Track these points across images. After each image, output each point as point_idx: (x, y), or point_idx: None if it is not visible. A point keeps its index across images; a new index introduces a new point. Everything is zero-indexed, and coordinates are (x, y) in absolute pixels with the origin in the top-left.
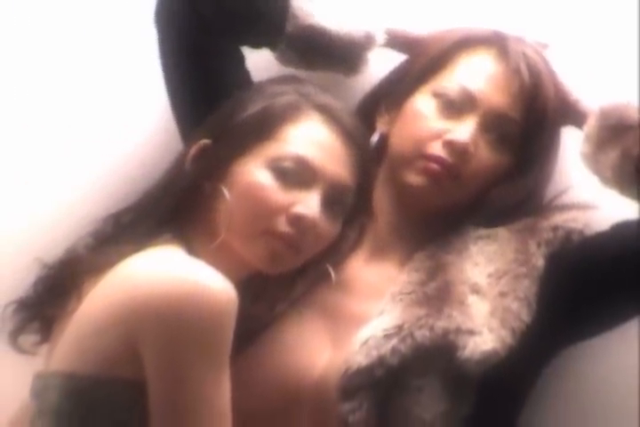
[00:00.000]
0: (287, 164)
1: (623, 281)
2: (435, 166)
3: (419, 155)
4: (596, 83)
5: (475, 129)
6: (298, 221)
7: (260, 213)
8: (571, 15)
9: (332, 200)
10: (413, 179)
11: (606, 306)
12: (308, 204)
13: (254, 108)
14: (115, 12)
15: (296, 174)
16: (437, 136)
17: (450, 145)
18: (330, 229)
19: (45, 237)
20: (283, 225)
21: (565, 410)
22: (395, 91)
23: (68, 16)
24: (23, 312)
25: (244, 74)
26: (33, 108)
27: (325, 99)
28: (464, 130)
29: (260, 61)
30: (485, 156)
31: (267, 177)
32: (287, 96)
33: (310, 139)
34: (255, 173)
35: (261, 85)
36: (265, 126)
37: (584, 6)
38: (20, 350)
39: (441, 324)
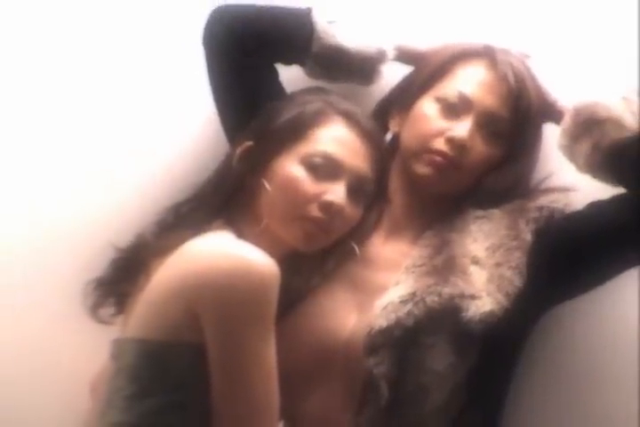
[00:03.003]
0: (317, 160)
1: (597, 250)
2: (439, 159)
3: (425, 149)
4: (579, 86)
5: (471, 126)
6: (328, 207)
7: (296, 201)
8: (552, 26)
9: (355, 189)
10: (421, 170)
11: (584, 271)
12: (336, 192)
13: (288, 114)
14: (173, 35)
15: (325, 168)
16: (440, 133)
17: (451, 141)
18: (354, 213)
19: (117, 224)
20: (315, 211)
21: (560, 365)
22: (403, 97)
23: (135, 35)
24: (100, 290)
25: (279, 86)
26: (110, 110)
27: (347, 105)
28: (462, 128)
29: (291, 76)
30: (481, 148)
31: (301, 171)
32: (315, 104)
33: (336, 138)
34: (291, 168)
35: (293, 95)
36: (298, 129)
37: (564, 19)
38: (100, 321)
39: (447, 290)
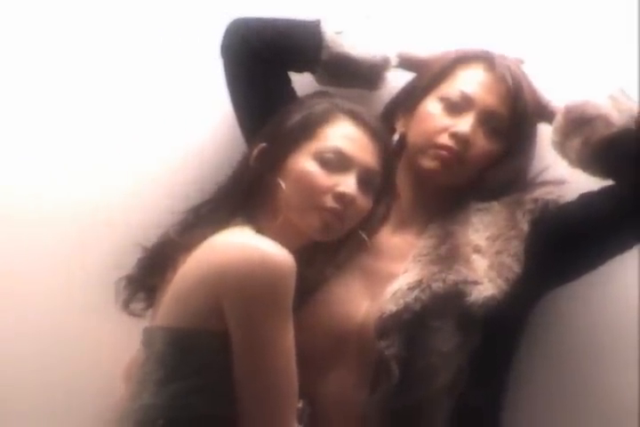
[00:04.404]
0: (329, 155)
1: (588, 237)
2: (444, 153)
3: (431, 145)
4: (569, 87)
5: (473, 123)
6: (341, 197)
7: (312, 194)
8: (543, 34)
9: (364, 181)
10: (428, 164)
11: (576, 257)
12: (348, 184)
13: (298, 116)
14: (194, 46)
15: (336, 162)
16: (444, 130)
17: (455, 136)
18: (365, 203)
19: (145, 225)
20: (330, 201)
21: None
22: (408, 100)
23: (161, 44)
24: (130, 286)
25: (291, 91)
26: (140, 111)
27: (351, 105)
28: (465, 124)
29: (302, 81)
30: (482, 144)
31: (314, 166)
32: (322, 105)
33: (344, 135)
34: (305, 164)
35: (303, 100)
36: (308, 129)
37: (554, 28)
38: (132, 314)
39: (451, 277)
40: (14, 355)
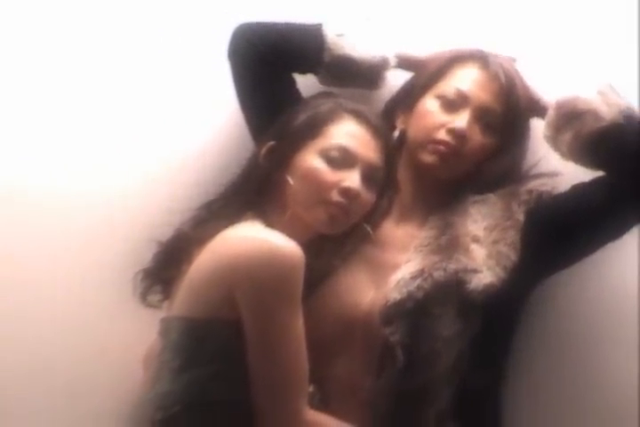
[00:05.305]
0: (334, 152)
1: (580, 225)
2: (442, 148)
3: (430, 140)
4: (559, 83)
5: (469, 119)
6: (347, 192)
7: (319, 189)
8: (534, 33)
9: (368, 176)
10: (427, 158)
11: (570, 245)
12: (352, 179)
13: (304, 115)
14: (197, 48)
15: (341, 159)
16: (442, 126)
17: (452, 132)
18: (368, 197)
19: (159, 220)
20: (336, 196)
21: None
22: (407, 98)
23: (171, 48)
24: (147, 279)
25: (296, 92)
26: (155, 110)
27: (354, 105)
28: (461, 120)
29: (306, 82)
30: (478, 139)
31: (320, 163)
32: (327, 105)
33: (348, 133)
34: (312, 161)
35: (308, 100)
36: (314, 128)
37: (545, 27)
38: (149, 306)
39: (452, 266)
40: (30, 346)
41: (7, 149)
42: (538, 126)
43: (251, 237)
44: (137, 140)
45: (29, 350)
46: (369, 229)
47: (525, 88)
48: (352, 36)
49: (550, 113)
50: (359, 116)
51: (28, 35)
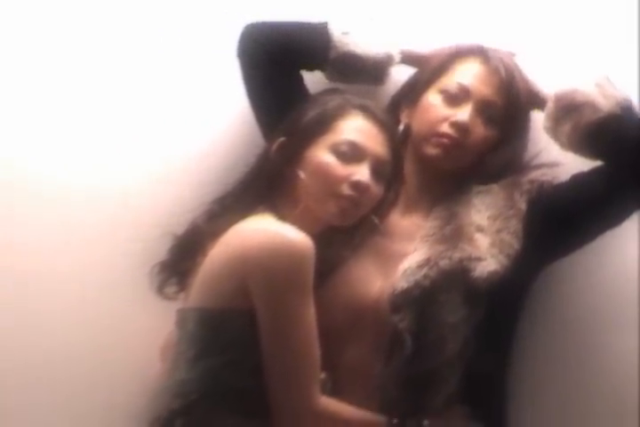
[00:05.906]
0: (343, 147)
1: (581, 213)
2: (445, 141)
3: (433, 133)
4: (558, 76)
5: (471, 112)
6: (357, 185)
7: (330, 183)
8: (533, 28)
9: (376, 170)
10: (431, 151)
11: (571, 232)
12: (362, 173)
13: (313, 112)
14: (205, 48)
15: (351, 154)
16: (445, 119)
17: (455, 125)
18: (377, 190)
19: (176, 214)
20: (347, 189)
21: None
22: (411, 93)
23: (182, 48)
24: (164, 271)
25: (304, 89)
26: (170, 108)
27: (361, 100)
28: (464, 113)
29: (314, 79)
30: (480, 131)
31: (330, 158)
32: (335, 101)
33: (356, 128)
34: (322, 156)
35: (316, 96)
36: (323, 123)
37: (544, 22)
38: (166, 298)
39: (457, 255)
40: (47, 337)
41: (7, 149)
42: (538, 118)
43: (262, 229)
44: (140, 140)
45: (43, 339)
46: (377, 220)
47: (525, 81)
48: (357, 34)
49: (549, 105)
50: (366, 111)
51: (33, 30)
